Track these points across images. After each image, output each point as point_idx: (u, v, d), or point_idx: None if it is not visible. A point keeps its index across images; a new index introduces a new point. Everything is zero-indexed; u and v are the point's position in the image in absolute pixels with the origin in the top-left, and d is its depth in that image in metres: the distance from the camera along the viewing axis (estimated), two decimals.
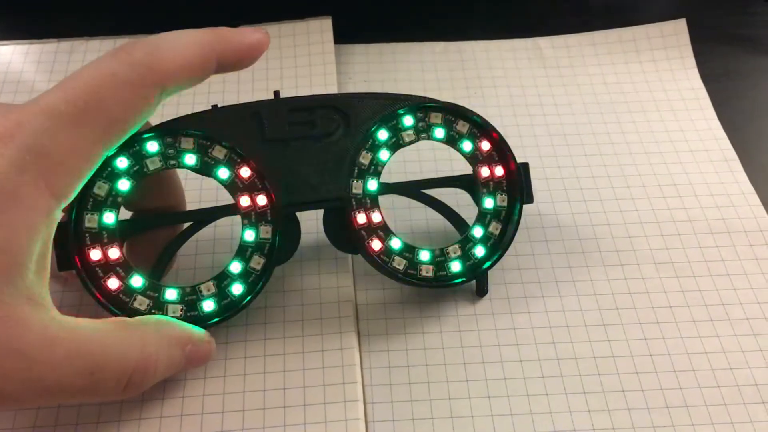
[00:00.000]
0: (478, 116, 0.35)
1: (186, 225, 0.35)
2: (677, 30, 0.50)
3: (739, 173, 0.43)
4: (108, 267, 0.31)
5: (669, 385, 0.34)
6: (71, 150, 0.27)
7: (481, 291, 0.36)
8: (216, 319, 0.32)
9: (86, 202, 0.31)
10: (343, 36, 0.50)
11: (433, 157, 0.43)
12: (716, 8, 0.53)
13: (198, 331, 0.31)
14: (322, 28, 0.49)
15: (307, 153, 0.33)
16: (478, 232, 0.35)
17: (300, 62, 0.48)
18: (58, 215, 0.28)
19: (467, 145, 0.36)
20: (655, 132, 0.45)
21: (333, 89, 0.46)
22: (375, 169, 0.34)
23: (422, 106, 0.35)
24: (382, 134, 0.34)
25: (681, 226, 0.40)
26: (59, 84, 0.28)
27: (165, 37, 0.29)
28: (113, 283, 0.31)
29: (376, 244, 0.34)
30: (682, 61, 0.49)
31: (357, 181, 0.34)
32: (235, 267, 0.32)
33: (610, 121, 0.46)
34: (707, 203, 0.41)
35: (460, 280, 0.35)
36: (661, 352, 0.35)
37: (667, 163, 0.43)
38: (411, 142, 0.35)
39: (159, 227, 0.35)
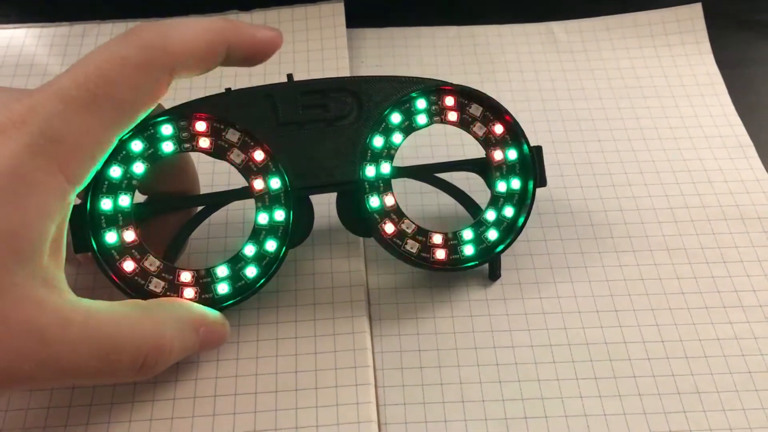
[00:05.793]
0: (492, 99, 0.35)
1: (199, 208, 0.35)
2: (693, 15, 0.50)
3: (754, 159, 0.43)
4: (123, 249, 0.31)
5: (680, 372, 0.34)
6: (84, 133, 0.27)
7: (494, 275, 0.36)
8: (230, 302, 0.32)
9: (102, 185, 0.31)
10: (355, 20, 0.49)
11: (444, 141, 0.43)
12: None
13: (212, 313, 0.32)
14: (334, 12, 0.49)
15: (320, 136, 0.33)
16: (491, 215, 0.35)
17: (312, 46, 0.48)
18: (73, 199, 0.28)
19: (480, 129, 0.35)
20: (669, 117, 0.45)
21: (345, 73, 0.46)
22: (388, 152, 0.34)
23: (435, 89, 0.35)
24: (396, 117, 0.34)
25: (694, 212, 0.40)
26: (70, 68, 0.28)
27: (175, 22, 0.29)
28: (129, 266, 0.31)
29: (389, 227, 0.34)
30: (697, 47, 0.49)
31: (370, 165, 0.34)
32: (249, 250, 0.32)
33: (623, 107, 0.46)
34: (721, 189, 0.41)
35: (472, 263, 0.35)
36: (672, 338, 0.35)
37: (681, 149, 0.43)
38: (424, 126, 0.35)
39: (173, 211, 0.35)
